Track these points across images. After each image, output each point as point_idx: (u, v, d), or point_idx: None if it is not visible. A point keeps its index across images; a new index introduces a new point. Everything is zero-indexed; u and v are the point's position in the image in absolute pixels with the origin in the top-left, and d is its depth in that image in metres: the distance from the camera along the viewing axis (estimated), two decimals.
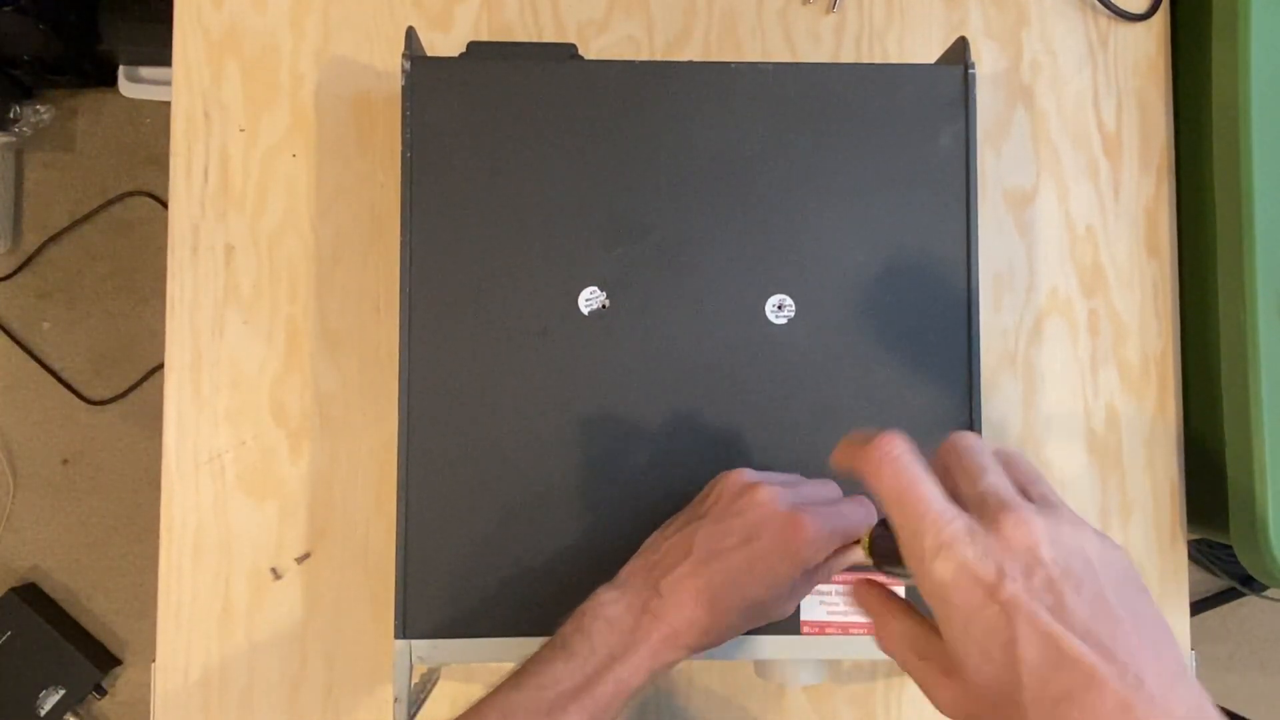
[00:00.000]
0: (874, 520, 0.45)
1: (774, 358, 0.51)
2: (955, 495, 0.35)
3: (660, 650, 0.42)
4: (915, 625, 0.36)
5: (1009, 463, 0.37)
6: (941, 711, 0.34)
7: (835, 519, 0.43)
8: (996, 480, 0.35)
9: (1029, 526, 0.32)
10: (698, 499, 0.47)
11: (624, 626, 0.42)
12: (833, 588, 0.51)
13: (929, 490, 0.34)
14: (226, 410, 0.59)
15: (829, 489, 0.47)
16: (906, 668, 0.36)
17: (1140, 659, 0.30)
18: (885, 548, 0.40)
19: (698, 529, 0.44)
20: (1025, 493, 0.35)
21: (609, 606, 0.43)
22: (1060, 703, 0.30)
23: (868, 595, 0.39)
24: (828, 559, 0.45)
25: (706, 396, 0.51)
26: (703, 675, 0.59)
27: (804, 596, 0.46)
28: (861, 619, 0.50)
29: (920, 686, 0.35)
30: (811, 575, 0.45)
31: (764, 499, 0.44)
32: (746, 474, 0.46)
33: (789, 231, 0.52)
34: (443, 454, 0.50)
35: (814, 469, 0.50)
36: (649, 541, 0.47)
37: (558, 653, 0.42)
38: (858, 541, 0.43)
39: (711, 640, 0.43)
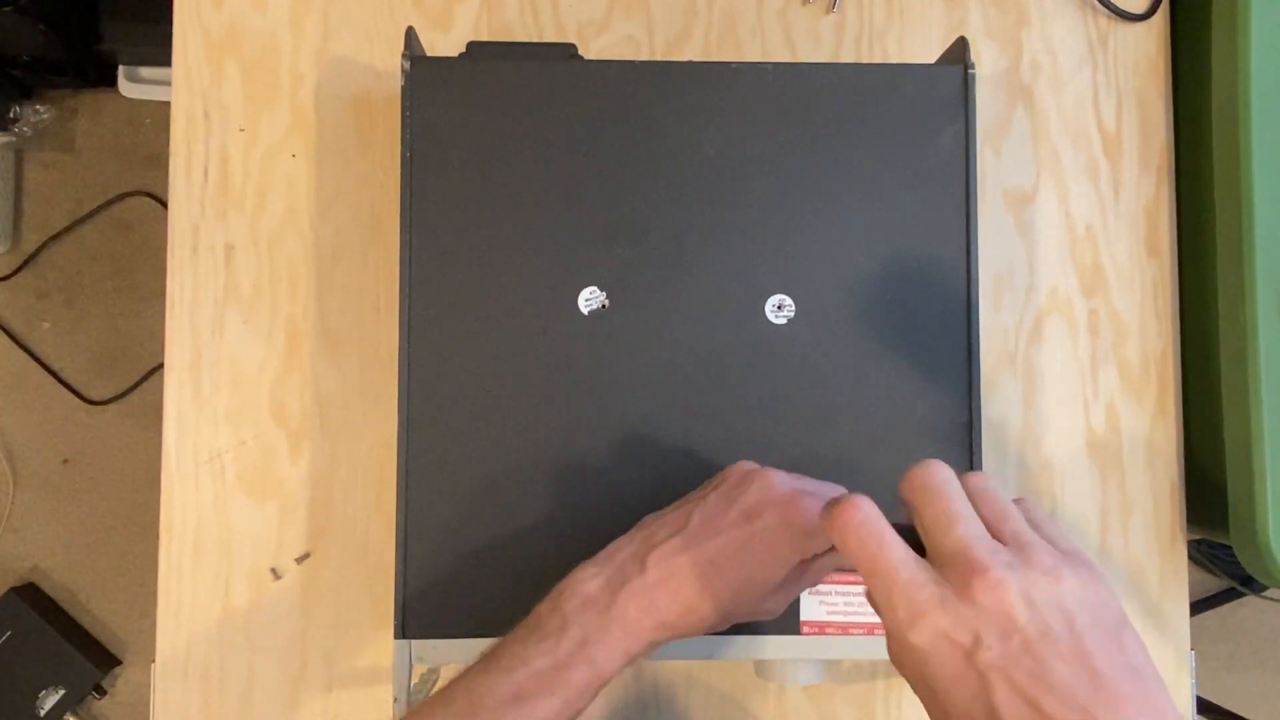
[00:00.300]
0: None
1: (774, 358, 0.51)
2: (926, 540, 0.35)
3: (639, 630, 0.40)
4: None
5: (977, 498, 0.36)
6: None
7: None
8: (965, 532, 0.34)
9: (1001, 590, 0.32)
10: (700, 488, 0.46)
11: (600, 604, 0.40)
12: (832, 587, 0.51)
13: (896, 556, 0.34)
14: (226, 410, 0.59)
15: (836, 490, 0.46)
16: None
17: (1117, 714, 0.30)
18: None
19: (696, 506, 0.43)
20: (997, 533, 0.34)
21: (587, 583, 0.41)
22: None
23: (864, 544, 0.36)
24: (821, 556, 0.44)
25: (706, 396, 0.51)
26: (703, 675, 0.59)
27: (795, 596, 0.45)
28: (861, 620, 0.51)
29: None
30: (805, 572, 0.44)
31: (768, 482, 0.43)
32: (752, 463, 0.46)
33: (789, 231, 0.52)
34: (443, 454, 0.50)
35: (813, 469, 0.50)
36: (642, 521, 0.45)
37: (531, 633, 0.40)
38: None
39: (696, 623, 0.41)
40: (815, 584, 0.47)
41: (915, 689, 0.34)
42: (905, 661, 0.34)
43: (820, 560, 0.45)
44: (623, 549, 0.43)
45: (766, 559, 0.42)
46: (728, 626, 0.43)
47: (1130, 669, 0.31)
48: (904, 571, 0.33)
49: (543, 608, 0.41)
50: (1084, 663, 0.31)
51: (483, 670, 0.40)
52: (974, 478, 0.36)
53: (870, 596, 0.36)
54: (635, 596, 0.40)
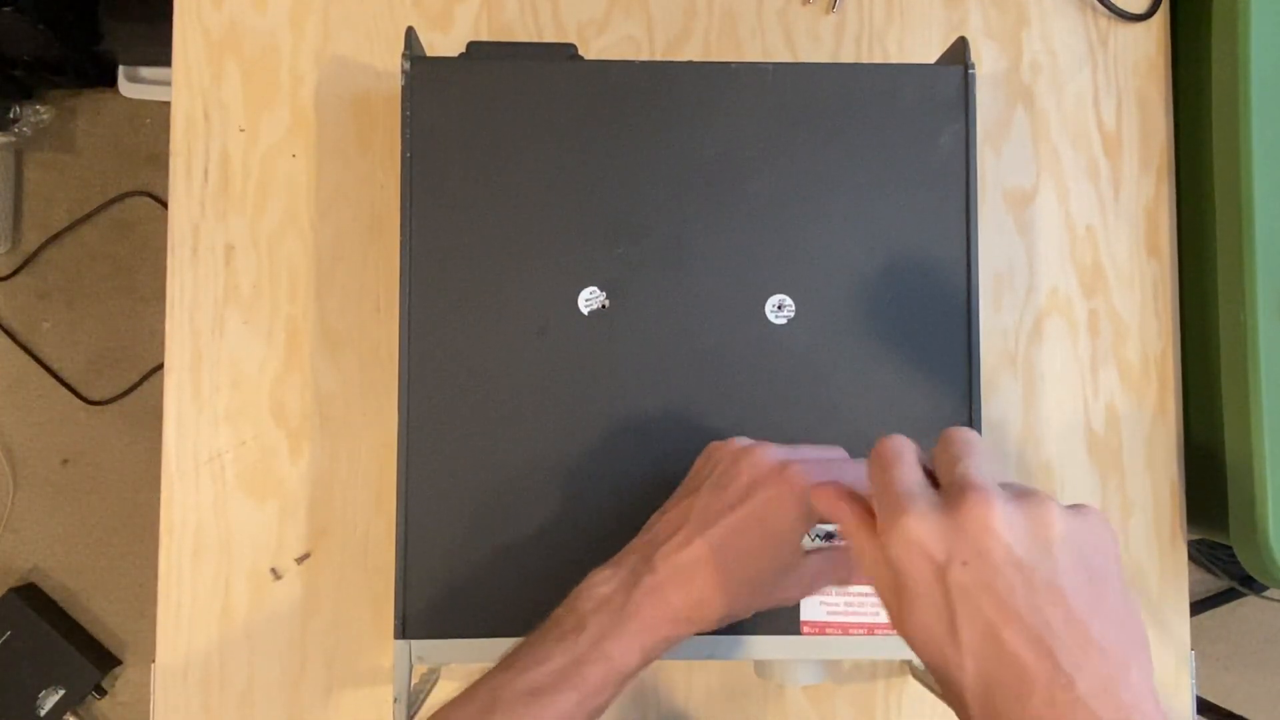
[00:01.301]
0: (859, 470, 0.44)
1: (774, 358, 0.51)
2: (938, 475, 0.35)
3: (655, 627, 0.40)
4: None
5: (996, 457, 0.36)
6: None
7: (830, 470, 0.42)
8: (974, 463, 0.34)
9: (987, 506, 0.31)
10: (691, 472, 0.46)
11: (615, 604, 0.40)
12: (832, 587, 0.51)
13: (904, 472, 0.34)
14: (226, 410, 0.59)
15: (833, 451, 0.45)
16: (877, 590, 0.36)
17: (1080, 657, 0.29)
18: None
19: (694, 499, 0.43)
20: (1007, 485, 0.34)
21: (601, 586, 0.41)
22: (993, 690, 0.30)
23: (840, 508, 0.37)
24: (831, 537, 0.44)
25: (706, 396, 0.51)
26: (703, 675, 0.59)
27: (815, 581, 0.44)
28: (861, 620, 0.51)
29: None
30: (815, 560, 0.43)
31: (758, 458, 0.42)
32: (740, 439, 0.45)
33: (789, 231, 0.52)
34: (443, 454, 0.50)
35: None
36: (648, 522, 0.45)
37: (548, 633, 0.41)
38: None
39: (711, 615, 0.41)
40: (825, 581, 0.45)
41: (882, 599, 0.34)
42: (879, 574, 0.34)
43: (833, 542, 0.45)
44: (633, 550, 0.43)
45: (768, 537, 0.41)
46: (748, 615, 0.43)
47: (1110, 617, 0.31)
48: (903, 483, 0.34)
49: (559, 611, 0.42)
50: (1055, 598, 0.30)
51: (502, 669, 0.40)
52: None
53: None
54: (648, 594, 0.41)
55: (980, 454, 0.35)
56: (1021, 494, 0.33)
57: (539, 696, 0.39)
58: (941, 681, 0.32)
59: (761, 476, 0.42)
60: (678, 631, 0.41)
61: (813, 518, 0.41)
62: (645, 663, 0.41)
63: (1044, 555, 0.31)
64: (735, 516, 0.41)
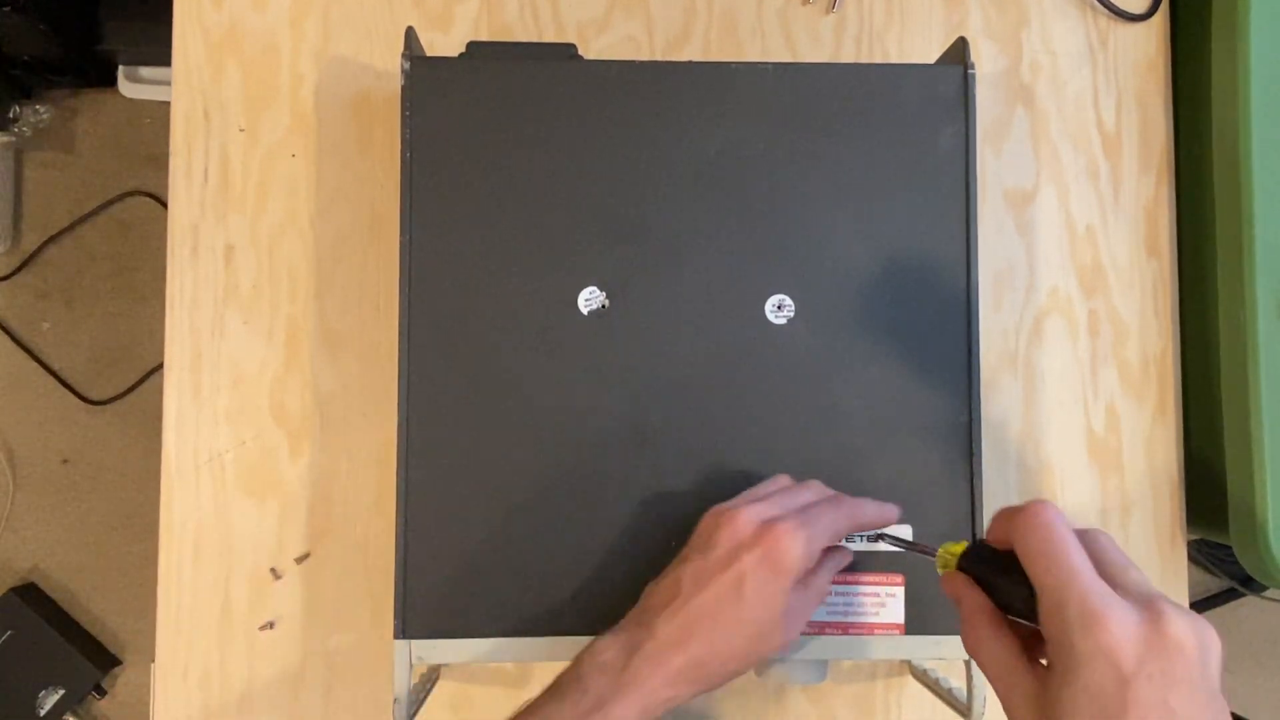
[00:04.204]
0: (850, 514, 0.46)
1: (774, 357, 0.51)
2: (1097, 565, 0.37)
3: (654, 689, 0.42)
4: (1006, 649, 0.38)
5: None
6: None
7: (809, 523, 0.44)
8: (1139, 577, 0.36)
9: (1186, 628, 0.34)
10: (687, 545, 0.47)
11: (615, 668, 0.42)
12: (833, 587, 0.51)
13: (1081, 560, 0.35)
14: (226, 410, 0.59)
15: (811, 491, 0.47)
16: (986, 674, 0.38)
17: None
18: (980, 571, 0.40)
19: (683, 569, 0.44)
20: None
21: (603, 653, 0.43)
22: None
23: (964, 593, 0.40)
24: (818, 568, 0.45)
25: (706, 396, 0.51)
26: None
27: (808, 617, 0.46)
28: (861, 620, 0.51)
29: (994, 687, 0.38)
30: (808, 590, 0.45)
31: (738, 523, 0.44)
32: (721, 507, 0.46)
33: (789, 231, 0.52)
34: (442, 454, 0.50)
35: (814, 469, 0.50)
36: (645, 590, 0.47)
37: (552, 697, 0.43)
38: (921, 548, 0.44)
39: (710, 675, 0.43)
40: (822, 599, 0.47)
41: (1002, 679, 0.37)
42: (1061, 654, 0.35)
43: (820, 573, 0.46)
44: (632, 619, 0.45)
45: (759, 598, 0.43)
46: (750, 669, 0.45)
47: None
48: (1086, 574, 0.35)
49: (563, 676, 0.43)
50: (1217, 710, 0.33)
51: None
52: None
53: (1040, 590, 0.36)
54: (648, 659, 0.42)
55: (1128, 562, 0.37)
56: (1180, 608, 0.35)
57: None
58: None
59: (743, 540, 0.43)
60: (678, 692, 0.43)
61: (800, 568, 0.43)
62: None
63: (1205, 671, 0.34)
64: (722, 583, 0.43)
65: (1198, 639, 0.34)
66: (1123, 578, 0.36)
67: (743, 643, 0.43)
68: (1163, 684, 0.33)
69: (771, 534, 0.43)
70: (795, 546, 0.43)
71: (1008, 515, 0.38)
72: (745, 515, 0.44)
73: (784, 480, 0.48)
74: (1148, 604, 0.34)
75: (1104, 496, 0.62)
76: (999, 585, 0.39)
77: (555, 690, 0.43)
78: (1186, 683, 0.33)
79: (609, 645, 0.43)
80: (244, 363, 0.59)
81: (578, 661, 0.44)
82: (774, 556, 0.43)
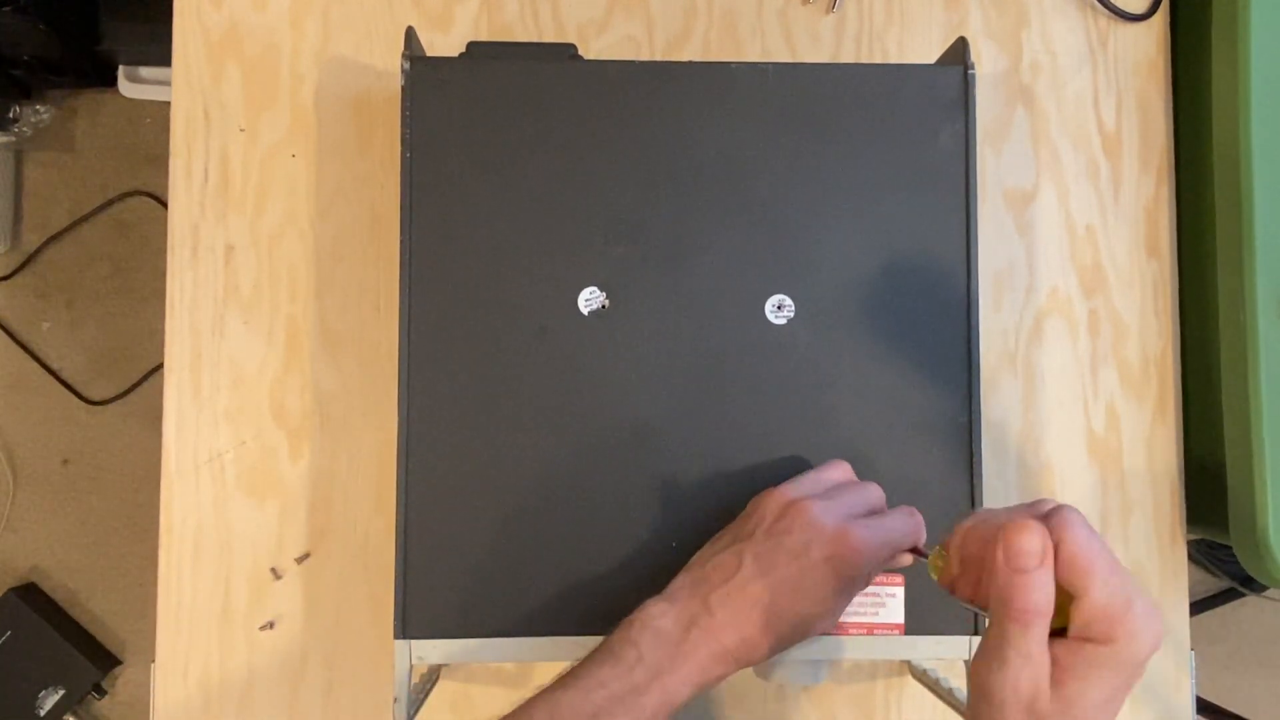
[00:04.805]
0: (919, 532, 0.46)
1: (774, 358, 0.51)
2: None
3: (708, 665, 0.42)
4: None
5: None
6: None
7: (884, 532, 0.44)
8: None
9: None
10: (740, 518, 0.47)
11: (672, 639, 0.43)
12: None
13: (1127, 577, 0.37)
14: (226, 410, 0.59)
15: (871, 493, 0.47)
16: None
17: None
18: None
19: (745, 547, 0.45)
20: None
21: (658, 619, 0.43)
22: None
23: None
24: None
25: (706, 397, 0.51)
26: None
27: (841, 611, 0.46)
28: (861, 620, 0.51)
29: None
30: (852, 587, 0.45)
31: (811, 516, 0.44)
32: (788, 491, 0.46)
33: (789, 231, 0.52)
34: (442, 454, 0.50)
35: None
36: (696, 557, 0.47)
37: (605, 658, 0.43)
38: (916, 550, 0.45)
39: (759, 655, 0.44)
40: (862, 591, 0.47)
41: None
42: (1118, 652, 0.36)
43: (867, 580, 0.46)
44: (685, 588, 0.45)
45: (818, 593, 0.44)
46: (786, 650, 0.45)
47: None
48: (1140, 596, 0.36)
49: (615, 638, 0.44)
50: None
51: (562, 688, 0.42)
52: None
53: (1079, 592, 0.36)
54: (704, 634, 0.43)
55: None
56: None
57: (598, 718, 0.41)
58: None
59: (816, 536, 0.44)
60: (726, 669, 0.43)
61: (864, 573, 0.44)
62: (694, 696, 0.43)
63: None
64: (790, 571, 0.43)
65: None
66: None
67: (790, 630, 0.44)
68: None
69: (848, 539, 0.43)
70: (868, 552, 0.43)
71: (1024, 517, 0.38)
72: (819, 509, 0.44)
73: (846, 470, 0.48)
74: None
75: (1104, 496, 0.62)
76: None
77: (607, 652, 0.43)
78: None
79: (665, 613, 0.43)
80: (244, 363, 0.59)
81: (630, 625, 0.43)
82: (845, 559, 0.43)
